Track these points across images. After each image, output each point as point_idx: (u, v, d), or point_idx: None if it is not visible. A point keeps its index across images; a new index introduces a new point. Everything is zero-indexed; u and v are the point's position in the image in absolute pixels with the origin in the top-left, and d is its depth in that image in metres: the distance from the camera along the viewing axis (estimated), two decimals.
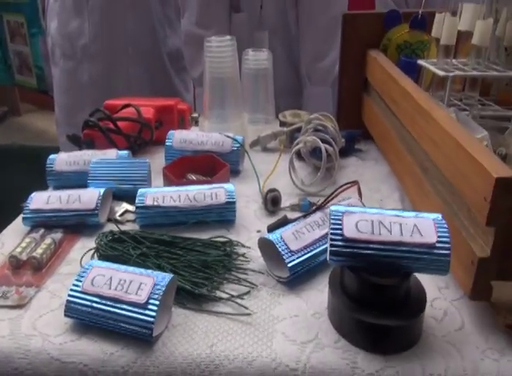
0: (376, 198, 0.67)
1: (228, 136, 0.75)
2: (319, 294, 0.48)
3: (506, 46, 0.68)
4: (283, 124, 0.89)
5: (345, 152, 0.80)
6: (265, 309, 0.46)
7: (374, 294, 0.41)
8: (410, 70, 0.77)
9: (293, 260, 0.49)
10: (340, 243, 0.41)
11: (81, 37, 1.33)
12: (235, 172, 0.75)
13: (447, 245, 0.39)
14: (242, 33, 1.12)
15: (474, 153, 0.43)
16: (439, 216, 0.42)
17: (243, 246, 0.55)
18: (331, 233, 0.41)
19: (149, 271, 0.45)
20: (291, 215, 0.57)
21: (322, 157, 0.67)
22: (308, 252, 0.50)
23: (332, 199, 0.55)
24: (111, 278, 0.44)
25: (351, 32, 0.82)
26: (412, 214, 0.42)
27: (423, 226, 0.41)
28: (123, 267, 0.46)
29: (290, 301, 0.47)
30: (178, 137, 0.76)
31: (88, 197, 0.60)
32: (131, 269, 0.45)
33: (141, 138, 0.80)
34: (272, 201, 0.63)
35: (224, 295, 0.47)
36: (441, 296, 0.47)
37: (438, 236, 0.40)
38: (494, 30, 0.70)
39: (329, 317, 0.45)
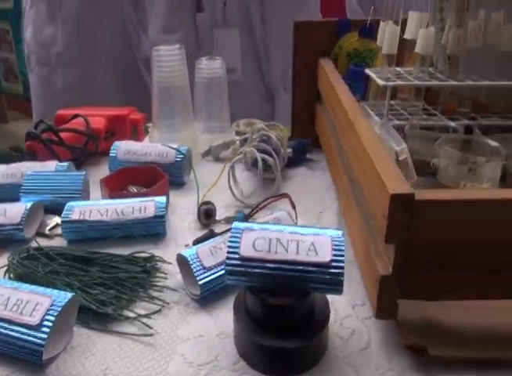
0: (317, 210, 0.66)
1: (171, 147, 0.74)
2: (229, 314, 0.46)
3: (449, 55, 0.66)
4: (237, 133, 0.88)
5: (295, 162, 0.79)
6: (171, 329, 0.45)
7: (272, 314, 0.40)
8: (359, 79, 0.76)
9: (205, 277, 0.47)
10: (235, 262, 0.39)
11: (55, 45, 1.33)
12: (179, 184, 0.74)
13: (341, 264, 0.38)
14: (207, 32, 1.12)
15: (379, 167, 0.42)
16: (339, 234, 0.40)
17: (165, 262, 0.54)
18: (228, 252, 0.40)
19: (49, 290, 0.44)
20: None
21: (258, 168, 0.65)
22: (223, 269, 0.48)
23: (256, 212, 0.54)
24: (9, 298, 0.43)
25: (304, 40, 0.81)
26: (314, 231, 0.41)
27: (320, 245, 0.39)
28: (25, 286, 0.44)
29: (198, 321, 0.46)
30: (123, 148, 0.75)
31: (14, 211, 0.59)
32: (32, 288, 0.44)
33: (87, 149, 0.79)
34: (205, 214, 0.62)
35: (132, 314, 0.46)
36: (353, 314, 0.46)
37: (333, 255, 0.38)
38: (440, 39, 0.69)
39: (233, 338, 0.43)
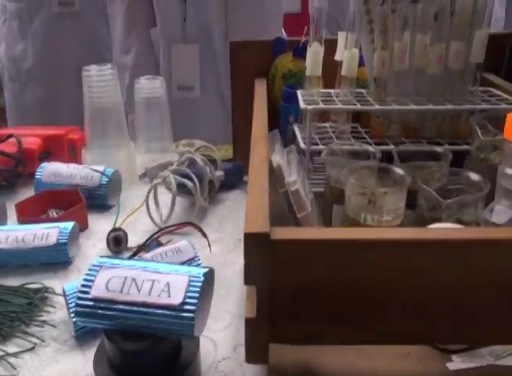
0: (237, 237, 0.63)
1: (96, 170, 0.72)
2: None
3: (375, 77, 0.64)
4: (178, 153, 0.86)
5: (230, 184, 0.77)
6: (38, 369, 0.42)
7: (127, 360, 0.37)
8: (293, 101, 0.74)
9: None
10: (85, 302, 0.37)
11: (26, 61, 1.33)
12: (105, 207, 0.72)
13: (192, 307, 0.35)
14: (165, 49, 1.10)
15: (249, 203, 0.39)
16: (201, 272, 0.38)
17: (55, 293, 0.51)
18: (79, 291, 0.37)
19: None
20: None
21: (172, 192, 0.63)
22: None
23: (150, 242, 0.52)
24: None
25: (241, 61, 0.79)
26: (177, 269, 0.38)
27: (176, 285, 0.37)
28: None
29: (69, 360, 0.43)
30: (48, 170, 0.73)
31: None
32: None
33: (16, 171, 0.77)
34: (114, 241, 0.60)
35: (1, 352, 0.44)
36: (232, 356, 0.43)
37: (186, 297, 0.36)
38: (371, 61, 0.67)
39: None
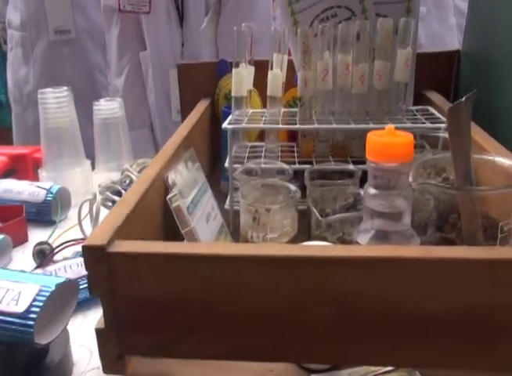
0: None
1: (41, 187, 0.75)
2: None
3: (299, 96, 0.65)
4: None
5: None
6: None
7: None
8: None
9: None
10: None
11: (27, 85, 1.41)
12: (50, 222, 0.75)
13: (33, 316, 0.37)
14: (156, 72, 1.15)
15: (106, 217, 0.41)
16: (54, 283, 0.39)
17: None
18: None
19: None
20: None
21: (96, 208, 0.65)
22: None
23: (53, 255, 0.54)
24: None
25: (187, 82, 0.82)
26: (33, 278, 0.40)
27: (26, 294, 0.38)
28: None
29: None
30: (2, 186, 0.77)
31: None
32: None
33: None
34: (39, 254, 0.62)
35: None
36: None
37: (30, 305, 0.37)
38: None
39: None
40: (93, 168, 0.90)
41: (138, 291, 0.37)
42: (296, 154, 0.69)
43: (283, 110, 0.71)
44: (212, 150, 0.80)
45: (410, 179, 0.43)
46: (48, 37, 1.34)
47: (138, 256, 0.36)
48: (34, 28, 1.34)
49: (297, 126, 0.64)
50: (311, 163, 0.66)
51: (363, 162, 0.65)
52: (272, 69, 0.65)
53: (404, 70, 0.64)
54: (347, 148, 0.67)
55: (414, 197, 0.44)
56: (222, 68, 0.79)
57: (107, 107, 0.88)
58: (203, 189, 0.54)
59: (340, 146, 0.67)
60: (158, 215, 0.49)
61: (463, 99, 0.39)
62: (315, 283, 0.35)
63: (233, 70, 0.66)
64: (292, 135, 0.74)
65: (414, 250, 0.33)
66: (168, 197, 0.47)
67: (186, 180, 0.53)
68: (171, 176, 0.51)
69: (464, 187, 0.40)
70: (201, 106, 0.77)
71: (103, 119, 0.88)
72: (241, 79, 0.65)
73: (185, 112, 0.83)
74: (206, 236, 0.50)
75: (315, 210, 0.47)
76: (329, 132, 0.66)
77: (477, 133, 0.55)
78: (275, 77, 0.65)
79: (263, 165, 0.61)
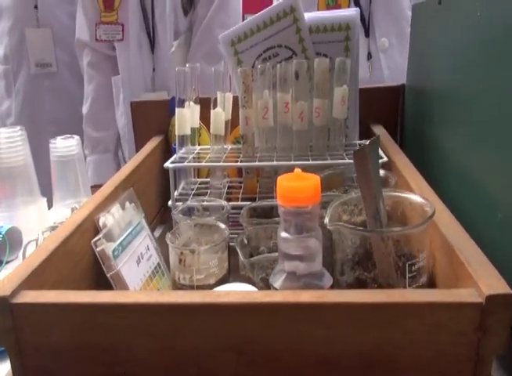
0: None
1: None
2: None
3: (241, 134, 0.66)
4: None
5: None
6: None
7: None
8: None
9: None
10: None
11: (10, 117, 1.44)
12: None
13: None
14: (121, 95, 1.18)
15: (18, 265, 0.41)
16: None
17: None
18: None
19: None
20: None
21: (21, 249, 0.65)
22: None
23: None
24: None
25: (141, 119, 0.83)
26: None
27: None
28: None
29: None
30: None
31: None
32: None
33: None
34: None
35: None
36: None
37: None
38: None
39: None
40: (52, 205, 0.90)
41: (43, 340, 0.37)
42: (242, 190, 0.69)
43: (230, 146, 0.72)
44: (166, 186, 0.80)
45: (327, 220, 0.43)
46: (29, 71, 1.38)
47: (41, 306, 0.36)
48: (16, 61, 1.38)
49: (238, 164, 0.65)
50: (255, 199, 0.66)
51: None
52: (214, 108, 0.67)
53: (341, 107, 0.65)
54: None
55: (333, 237, 0.45)
56: (174, 105, 0.81)
57: (64, 145, 0.88)
58: (136, 230, 0.55)
59: None
60: (87, 258, 0.49)
61: (367, 142, 0.40)
62: (216, 330, 0.35)
63: (176, 109, 0.67)
64: (241, 171, 0.75)
65: (308, 295, 0.34)
66: (93, 241, 0.48)
67: (119, 222, 0.53)
68: (102, 219, 0.52)
69: (371, 229, 0.40)
70: (152, 143, 0.78)
71: (60, 157, 0.88)
72: (184, 118, 0.66)
73: (139, 149, 0.84)
74: (135, 278, 0.50)
75: (238, 250, 0.47)
76: (273, 168, 0.67)
77: (406, 169, 0.56)
78: (217, 115, 0.66)
79: (203, 203, 0.62)
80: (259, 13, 0.67)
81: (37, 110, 1.41)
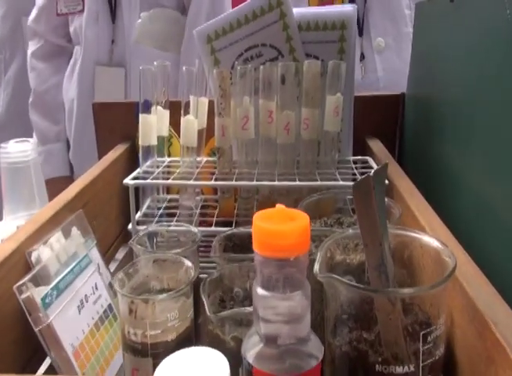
0: None
1: None
2: None
3: (216, 146, 0.57)
4: None
5: None
6: None
7: None
8: None
9: None
10: None
11: None
12: None
13: None
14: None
15: None
16: None
17: None
18: None
19: None
20: None
21: None
22: None
23: None
24: None
25: (104, 123, 0.73)
26: None
27: None
28: None
29: None
30: None
31: None
32: None
33: None
34: None
35: None
36: None
37: None
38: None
39: None
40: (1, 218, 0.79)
41: None
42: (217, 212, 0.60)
43: (205, 159, 0.62)
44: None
45: (317, 267, 0.34)
46: (22, 60, 1.31)
47: None
48: (9, 50, 1.35)
49: (211, 182, 0.55)
50: (231, 223, 0.57)
51: None
52: (185, 115, 0.56)
53: (334, 118, 0.56)
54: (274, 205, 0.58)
55: (324, 287, 0.35)
56: (144, 109, 0.70)
57: (17, 150, 0.77)
58: (81, 266, 0.44)
59: (269, 203, 0.58)
60: (10, 306, 0.39)
61: (372, 172, 0.30)
62: None
63: (140, 115, 0.57)
64: (217, 189, 0.65)
65: None
66: (15, 286, 0.37)
67: (58, 255, 0.43)
68: (35, 253, 0.41)
69: (375, 288, 0.31)
70: (115, 152, 0.67)
71: (12, 163, 0.77)
72: (150, 126, 0.56)
73: (101, 154, 0.74)
74: (74, 331, 0.40)
75: (204, 300, 0.37)
76: (253, 187, 0.58)
77: (412, 197, 0.47)
78: (188, 123, 0.56)
79: (169, 228, 0.51)
80: (240, 5, 0.57)
81: (25, 102, 1.32)
